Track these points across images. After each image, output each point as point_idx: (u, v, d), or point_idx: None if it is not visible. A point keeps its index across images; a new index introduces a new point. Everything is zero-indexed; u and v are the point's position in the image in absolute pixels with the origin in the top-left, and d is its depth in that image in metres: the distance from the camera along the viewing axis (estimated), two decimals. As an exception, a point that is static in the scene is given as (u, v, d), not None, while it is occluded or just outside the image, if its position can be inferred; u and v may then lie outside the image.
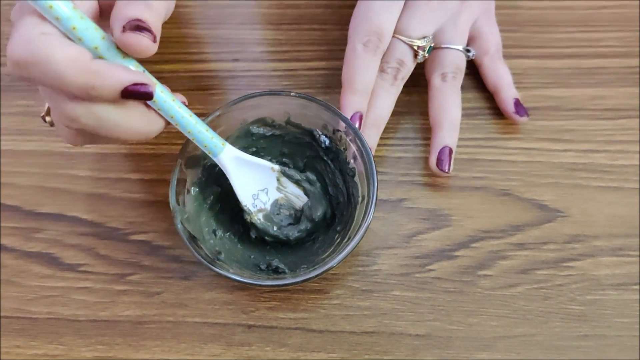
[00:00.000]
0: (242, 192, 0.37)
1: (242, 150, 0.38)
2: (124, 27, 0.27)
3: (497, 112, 0.43)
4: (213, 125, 0.36)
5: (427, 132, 0.42)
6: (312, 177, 0.40)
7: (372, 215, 0.33)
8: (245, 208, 0.37)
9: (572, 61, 0.45)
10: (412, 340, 0.37)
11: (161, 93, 0.30)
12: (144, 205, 0.41)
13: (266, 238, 0.38)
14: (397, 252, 0.39)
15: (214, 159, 0.35)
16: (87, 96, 0.27)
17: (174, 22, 0.48)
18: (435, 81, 0.41)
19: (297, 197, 0.39)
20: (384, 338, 0.37)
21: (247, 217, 0.37)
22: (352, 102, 0.38)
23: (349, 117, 0.38)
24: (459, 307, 0.37)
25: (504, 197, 0.40)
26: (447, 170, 0.39)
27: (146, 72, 0.29)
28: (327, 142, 0.38)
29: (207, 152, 0.34)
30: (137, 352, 0.37)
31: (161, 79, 0.45)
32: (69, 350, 0.38)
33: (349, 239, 0.34)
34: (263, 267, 0.37)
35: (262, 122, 0.39)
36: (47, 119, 0.35)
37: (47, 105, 0.34)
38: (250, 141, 0.39)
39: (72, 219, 0.41)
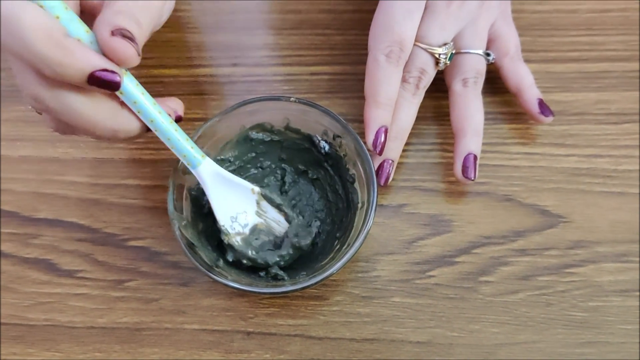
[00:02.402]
0: (219, 210, 0.37)
1: (240, 155, 0.40)
2: (112, 32, 0.27)
3: (500, 117, 0.45)
4: (212, 131, 0.38)
5: (427, 137, 0.44)
6: (308, 187, 0.41)
7: (371, 221, 0.34)
8: (222, 228, 0.38)
9: (576, 65, 0.46)
10: (412, 348, 0.38)
11: (142, 95, 0.31)
12: (141, 211, 0.43)
13: (243, 261, 0.38)
14: (398, 258, 0.40)
15: (192, 171, 0.36)
16: (52, 74, 0.27)
17: (173, 26, 0.50)
18: (457, 87, 0.42)
19: (278, 222, 0.40)
20: (384, 345, 0.38)
21: (225, 238, 0.38)
22: (377, 116, 0.39)
23: (374, 132, 0.39)
24: (460, 313, 0.39)
25: (506, 202, 0.42)
26: (472, 178, 0.40)
27: (127, 72, 0.30)
28: (327, 147, 0.40)
29: (185, 163, 0.35)
30: (135, 358, 0.39)
31: (161, 83, 0.47)
32: (66, 358, 0.39)
33: (348, 245, 0.35)
34: (262, 274, 0.38)
35: (261, 127, 0.40)
36: None
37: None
38: (250, 147, 0.41)
39: (70, 224, 0.43)
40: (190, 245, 0.36)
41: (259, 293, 0.38)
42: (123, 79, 0.29)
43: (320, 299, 0.40)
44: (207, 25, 0.51)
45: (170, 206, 0.36)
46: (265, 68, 0.48)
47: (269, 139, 0.41)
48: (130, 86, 0.30)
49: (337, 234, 0.39)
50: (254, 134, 0.40)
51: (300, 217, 0.40)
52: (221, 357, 0.39)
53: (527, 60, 0.46)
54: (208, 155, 0.37)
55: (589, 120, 0.44)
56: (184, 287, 0.41)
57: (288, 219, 0.40)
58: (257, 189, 0.39)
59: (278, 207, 0.40)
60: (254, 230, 0.39)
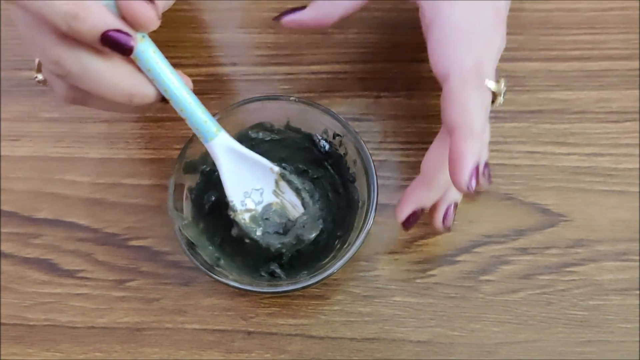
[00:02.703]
0: (231, 186, 0.37)
1: None
2: None
3: (500, 116, 0.45)
4: None
5: (428, 136, 0.44)
6: (310, 187, 0.42)
7: (372, 220, 0.35)
8: (230, 204, 0.37)
9: (577, 64, 0.46)
10: (413, 347, 0.39)
11: (158, 63, 0.31)
12: (142, 211, 0.43)
13: (245, 240, 0.38)
14: (398, 257, 0.41)
15: (205, 145, 0.35)
16: (66, 27, 0.27)
17: (171, 26, 0.50)
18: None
19: (294, 206, 0.39)
20: (385, 344, 0.39)
21: (231, 214, 0.37)
22: (474, 151, 0.32)
23: (470, 170, 0.32)
24: (460, 312, 0.39)
25: (507, 201, 0.42)
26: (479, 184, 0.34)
27: (146, 37, 0.30)
28: (327, 147, 0.40)
29: (198, 136, 0.35)
30: (136, 358, 0.39)
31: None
32: (66, 358, 0.40)
33: (349, 244, 0.36)
34: (263, 273, 0.39)
35: (261, 127, 0.40)
36: (39, 76, 0.35)
37: (37, 61, 0.35)
38: (249, 146, 0.41)
39: (70, 224, 0.43)
40: (191, 245, 0.36)
41: (260, 292, 0.38)
42: (137, 44, 0.29)
43: (321, 299, 0.40)
44: (207, 24, 0.51)
45: (171, 206, 0.36)
46: (265, 67, 0.48)
47: (269, 138, 0.41)
48: (146, 52, 0.30)
49: (338, 233, 0.39)
50: (254, 134, 0.41)
51: (316, 207, 0.40)
52: (222, 357, 0.39)
53: (528, 59, 0.47)
54: (206, 154, 0.37)
55: (590, 118, 0.44)
56: (185, 286, 0.41)
57: (304, 205, 0.39)
58: (276, 168, 0.38)
59: (297, 190, 0.39)
60: (268, 208, 0.39)
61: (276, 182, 0.39)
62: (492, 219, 0.42)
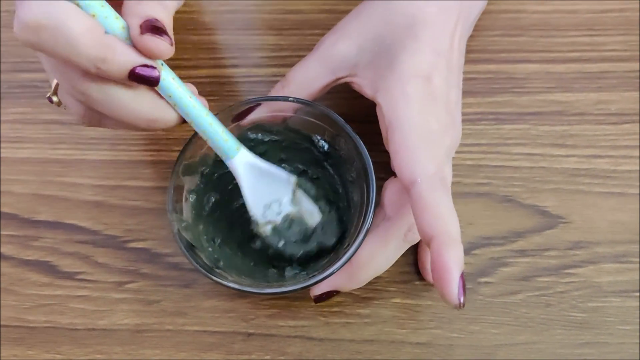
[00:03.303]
0: (252, 200, 0.38)
1: None
2: (140, 26, 0.29)
3: (499, 117, 0.45)
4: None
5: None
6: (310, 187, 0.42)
7: (370, 221, 0.35)
8: (253, 218, 0.39)
9: (576, 65, 0.47)
10: (412, 349, 0.39)
11: (178, 88, 0.32)
12: (142, 213, 0.44)
13: (269, 252, 0.39)
14: (398, 260, 0.41)
15: (226, 163, 0.37)
16: (95, 70, 0.28)
17: (173, 28, 0.51)
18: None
19: (312, 214, 0.40)
20: (384, 346, 0.39)
21: (255, 228, 0.39)
22: (458, 259, 0.30)
23: (457, 281, 0.30)
24: (459, 314, 0.40)
25: (506, 203, 0.42)
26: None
27: (164, 65, 0.32)
28: (326, 147, 0.41)
29: (220, 155, 0.36)
30: (136, 360, 0.40)
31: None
32: (66, 359, 0.40)
33: (348, 245, 0.36)
34: (263, 274, 0.39)
35: (260, 127, 0.41)
36: (54, 98, 0.36)
37: (53, 83, 0.36)
38: (249, 147, 0.42)
39: (70, 226, 0.44)
40: (190, 247, 0.36)
41: (260, 294, 0.38)
42: (161, 73, 0.31)
43: (318, 302, 0.40)
44: (207, 26, 0.51)
45: (170, 208, 0.37)
46: (266, 69, 0.49)
47: (268, 139, 0.42)
48: (167, 80, 0.31)
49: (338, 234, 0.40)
50: (252, 134, 0.41)
51: (332, 212, 0.40)
52: (222, 359, 0.39)
53: (527, 61, 0.47)
54: (207, 155, 0.38)
55: (589, 120, 0.45)
56: (185, 288, 0.41)
57: (321, 211, 0.40)
58: (293, 178, 0.39)
59: (314, 198, 0.40)
60: (287, 219, 0.39)
61: (293, 192, 0.39)
62: (491, 220, 0.42)
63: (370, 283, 0.40)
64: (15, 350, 0.40)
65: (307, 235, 0.40)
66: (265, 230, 0.39)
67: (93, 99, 0.30)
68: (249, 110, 0.39)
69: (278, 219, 0.39)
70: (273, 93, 0.41)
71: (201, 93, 0.48)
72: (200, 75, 0.49)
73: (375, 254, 0.36)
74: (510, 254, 0.41)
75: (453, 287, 0.30)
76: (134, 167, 0.46)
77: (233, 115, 0.39)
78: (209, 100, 0.47)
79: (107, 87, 0.30)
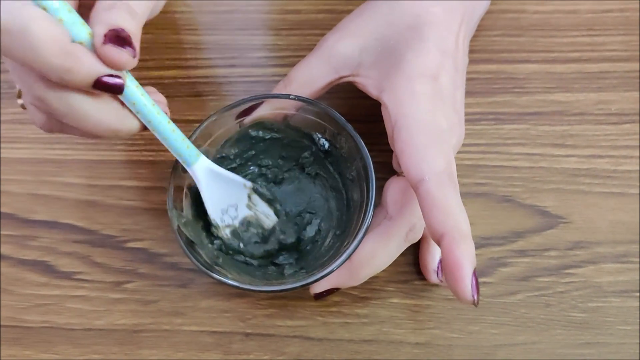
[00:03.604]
0: (211, 205, 0.39)
1: (240, 153, 0.41)
2: (105, 36, 0.28)
3: (499, 117, 0.46)
4: (209, 130, 0.39)
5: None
6: (309, 185, 0.43)
7: (369, 220, 0.35)
8: (213, 222, 0.39)
9: (576, 65, 0.47)
10: (411, 349, 0.39)
11: (141, 96, 0.32)
12: (139, 213, 0.44)
13: (229, 252, 0.39)
14: (397, 259, 0.41)
15: (187, 169, 0.37)
16: (59, 79, 0.28)
17: (170, 27, 0.51)
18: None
19: (267, 216, 0.41)
20: (383, 346, 0.39)
21: (214, 231, 0.39)
22: (470, 254, 0.30)
23: (470, 277, 0.30)
24: (459, 314, 0.40)
25: (506, 203, 0.42)
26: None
27: (128, 74, 0.31)
28: (327, 145, 0.41)
29: (180, 162, 0.36)
30: (133, 360, 0.40)
31: (158, 85, 0.48)
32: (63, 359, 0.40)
33: (347, 243, 0.36)
34: (262, 272, 0.39)
35: (261, 125, 0.41)
36: (19, 101, 0.36)
37: (18, 87, 0.35)
38: (250, 144, 0.42)
39: (67, 226, 0.44)
40: (190, 244, 0.36)
41: (260, 291, 0.38)
42: (126, 82, 0.30)
43: (318, 300, 0.40)
44: (205, 26, 0.52)
45: (170, 205, 0.37)
46: (264, 69, 0.49)
47: (269, 136, 0.42)
48: (131, 87, 0.31)
49: (337, 232, 0.40)
50: (254, 132, 0.41)
51: (288, 214, 0.42)
52: (220, 359, 0.39)
53: (527, 61, 0.47)
54: (208, 152, 0.38)
55: (589, 120, 0.45)
56: (183, 288, 0.41)
57: (277, 214, 0.41)
58: (248, 183, 0.40)
59: (269, 201, 0.41)
60: (244, 222, 0.40)
61: (249, 196, 0.41)
62: (491, 220, 0.42)
63: (368, 283, 0.40)
64: (12, 350, 0.40)
65: (264, 236, 0.41)
66: (226, 233, 0.40)
67: (53, 108, 0.30)
68: (254, 108, 0.40)
69: (236, 223, 0.40)
70: (275, 91, 0.41)
71: (200, 93, 0.48)
72: (199, 75, 0.49)
73: (376, 253, 0.36)
74: (510, 254, 0.41)
75: (466, 283, 0.29)
76: (130, 168, 0.46)
77: (237, 113, 0.39)
78: (208, 100, 0.48)
79: (69, 96, 0.29)
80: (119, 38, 0.28)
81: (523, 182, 0.43)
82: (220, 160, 0.40)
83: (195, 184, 0.39)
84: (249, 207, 0.41)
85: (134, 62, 0.29)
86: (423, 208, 0.32)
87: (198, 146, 0.37)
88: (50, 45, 0.26)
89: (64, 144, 0.47)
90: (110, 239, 0.43)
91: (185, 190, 0.39)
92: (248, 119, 0.40)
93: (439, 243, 0.31)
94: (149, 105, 0.32)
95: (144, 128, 0.34)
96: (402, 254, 0.41)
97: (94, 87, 0.29)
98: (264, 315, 0.40)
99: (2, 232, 0.44)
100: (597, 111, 0.45)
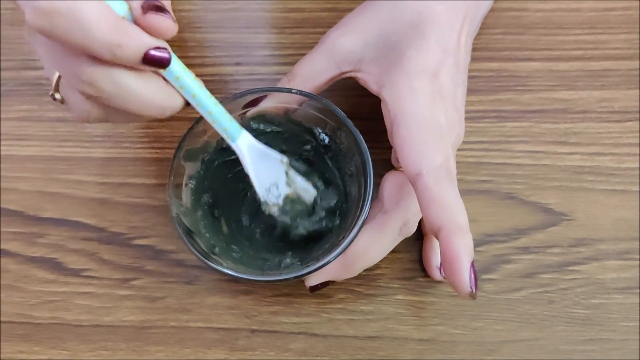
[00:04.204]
0: (258, 182, 0.38)
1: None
2: (142, 7, 0.28)
3: (502, 115, 0.46)
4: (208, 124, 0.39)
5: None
6: (309, 179, 0.42)
7: (366, 214, 0.35)
8: (262, 199, 0.39)
9: (579, 63, 0.47)
10: (415, 345, 0.39)
11: (183, 70, 0.32)
12: (146, 210, 0.44)
13: (275, 232, 0.40)
14: (401, 256, 0.41)
15: (232, 145, 0.37)
16: (110, 55, 0.28)
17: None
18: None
19: (306, 191, 0.41)
20: (387, 342, 0.39)
21: (265, 209, 0.39)
22: (468, 246, 0.30)
23: (468, 270, 0.30)
24: (462, 311, 0.40)
25: (509, 200, 0.43)
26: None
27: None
28: (327, 139, 0.41)
29: (225, 137, 0.36)
30: (141, 357, 0.40)
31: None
32: (72, 356, 0.40)
33: (343, 237, 0.36)
34: (259, 264, 0.39)
35: (262, 118, 0.41)
36: (57, 95, 0.35)
37: (55, 79, 0.34)
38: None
39: (75, 223, 0.44)
40: (188, 232, 0.37)
41: (254, 281, 0.37)
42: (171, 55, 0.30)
43: (323, 297, 0.41)
44: (210, 24, 0.52)
45: (169, 192, 0.37)
46: (269, 67, 0.49)
47: (269, 129, 0.42)
48: (174, 62, 0.31)
49: (336, 224, 0.40)
50: (255, 124, 0.41)
51: (321, 183, 0.41)
52: (226, 355, 0.39)
53: (530, 59, 0.47)
54: (209, 144, 0.38)
55: (592, 118, 0.45)
56: (189, 285, 0.42)
57: (316, 186, 0.41)
58: (285, 158, 0.40)
59: (305, 175, 0.41)
60: (286, 200, 0.40)
61: (286, 173, 0.40)
62: (494, 218, 0.42)
63: (373, 280, 0.41)
64: (21, 347, 0.41)
65: (309, 210, 0.40)
66: (273, 211, 0.39)
67: (102, 90, 0.30)
68: (259, 100, 0.40)
69: (280, 202, 0.40)
70: (279, 86, 0.41)
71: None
72: (205, 73, 0.49)
73: (370, 246, 0.36)
74: (513, 251, 0.41)
75: (464, 275, 0.30)
76: (138, 165, 0.46)
77: (243, 104, 0.40)
78: (216, 99, 0.47)
79: (118, 74, 0.29)
80: (156, 7, 0.29)
81: (526, 180, 0.43)
82: (220, 151, 0.40)
83: (195, 174, 0.39)
84: (288, 184, 0.40)
85: (175, 28, 0.30)
86: (421, 202, 0.32)
87: (200, 136, 0.37)
88: (100, 22, 0.27)
89: (73, 142, 0.47)
90: (118, 236, 0.43)
91: (185, 179, 0.39)
92: (251, 112, 0.40)
93: (437, 236, 0.31)
94: (191, 79, 0.32)
95: (187, 104, 0.34)
96: (406, 251, 0.41)
97: (143, 61, 0.29)
98: (270, 312, 0.41)
99: (11, 230, 0.44)
100: (600, 109, 0.45)
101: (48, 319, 0.41)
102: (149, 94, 0.31)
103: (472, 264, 0.30)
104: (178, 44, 0.50)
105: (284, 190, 0.40)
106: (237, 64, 0.49)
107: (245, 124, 0.41)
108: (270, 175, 0.39)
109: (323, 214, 0.40)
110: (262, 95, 0.40)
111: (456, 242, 0.30)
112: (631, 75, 0.46)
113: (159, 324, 0.41)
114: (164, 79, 0.32)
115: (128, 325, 0.41)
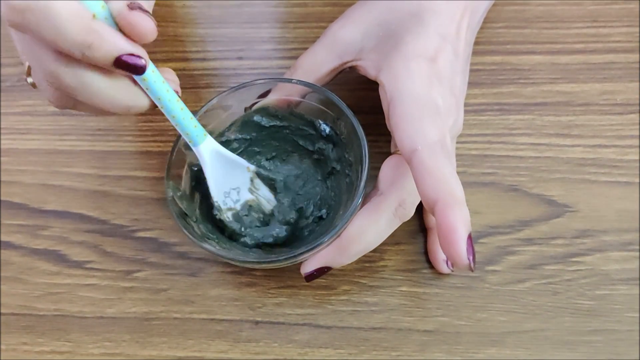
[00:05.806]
0: (214, 186, 0.38)
1: (244, 137, 0.41)
2: (129, 5, 0.28)
3: (505, 108, 0.45)
4: (213, 113, 0.39)
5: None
6: (311, 170, 0.42)
7: (360, 197, 0.35)
8: (215, 204, 0.39)
9: (581, 57, 0.47)
10: (420, 336, 0.38)
11: (152, 73, 0.31)
12: (149, 203, 0.44)
13: (235, 238, 0.39)
14: (405, 248, 0.41)
15: (193, 149, 0.37)
16: (80, 55, 0.27)
17: (179, 21, 0.51)
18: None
19: (268, 201, 0.41)
20: (391, 334, 0.39)
21: (217, 214, 0.39)
22: (465, 218, 0.29)
23: (465, 241, 0.29)
24: (467, 302, 0.39)
25: (512, 192, 0.42)
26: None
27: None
28: (328, 130, 0.40)
29: (187, 140, 0.36)
30: (144, 348, 0.39)
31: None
32: (76, 347, 0.39)
33: (336, 221, 0.36)
34: (254, 249, 0.39)
35: (265, 111, 0.41)
36: (29, 79, 0.35)
37: (26, 64, 0.34)
38: (254, 129, 0.42)
39: (78, 216, 0.43)
40: (183, 215, 0.36)
41: (246, 262, 0.36)
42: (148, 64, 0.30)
43: (328, 289, 0.40)
44: (213, 19, 0.51)
45: (167, 174, 0.37)
46: (271, 61, 0.49)
47: (272, 123, 0.42)
48: None
49: (336, 214, 0.39)
50: (258, 118, 0.41)
51: (287, 199, 0.41)
52: (229, 347, 0.39)
53: (532, 52, 0.47)
54: (211, 133, 0.38)
55: (594, 110, 0.44)
56: (192, 277, 0.41)
57: (277, 198, 0.41)
58: (252, 167, 0.40)
59: (271, 185, 0.41)
60: (245, 206, 0.40)
61: (251, 180, 0.40)
62: (498, 209, 0.41)
63: (377, 271, 0.40)
64: (24, 338, 0.40)
65: (265, 220, 0.41)
66: (227, 216, 0.39)
67: (66, 85, 0.29)
68: (268, 92, 0.40)
69: (237, 206, 0.40)
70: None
71: (208, 85, 0.48)
72: (208, 68, 0.48)
73: (365, 228, 0.35)
74: (517, 243, 0.40)
75: (461, 246, 0.28)
76: (140, 158, 0.45)
77: (246, 96, 0.40)
78: (216, 93, 0.47)
79: (81, 72, 0.29)
80: (141, 9, 0.28)
81: (529, 172, 0.43)
82: (224, 144, 0.40)
83: (197, 163, 0.39)
84: (251, 191, 0.40)
85: (155, 34, 0.29)
86: (416, 177, 0.31)
87: (203, 126, 0.37)
88: (72, 21, 0.26)
89: (75, 135, 0.46)
90: (121, 228, 0.43)
91: (185, 167, 0.39)
92: (255, 105, 0.40)
93: (433, 212, 0.30)
94: (159, 82, 0.32)
95: (154, 106, 0.33)
96: (411, 243, 0.41)
97: (115, 64, 0.28)
98: (274, 304, 0.40)
99: (14, 222, 0.44)
100: (602, 101, 0.45)
101: (52, 310, 0.41)
102: (114, 92, 0.30)
103: (470, 236, 0.29)
104: (181, 39, 0.50)
105: (245, 196, 0.40)
106: (240, 58, 0.49)
107: (249, 116, 0.41)
108: (233, 181, 0.40)
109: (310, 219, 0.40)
110: (265, 89, 0.40)
111: (452, 214, 0.29)
112: (633, 68, 0.46)
113: (162, 315, 0.40)
114: (132, 79, 0.31)
115: (131, 317, 0.40)
